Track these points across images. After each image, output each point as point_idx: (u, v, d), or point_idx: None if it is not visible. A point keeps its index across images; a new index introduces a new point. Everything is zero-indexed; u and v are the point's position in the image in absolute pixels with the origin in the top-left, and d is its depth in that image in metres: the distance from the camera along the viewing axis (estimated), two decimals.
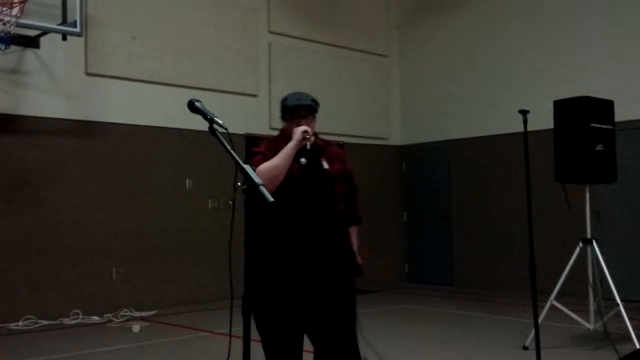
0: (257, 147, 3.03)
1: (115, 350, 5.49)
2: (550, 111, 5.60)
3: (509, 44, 9.02)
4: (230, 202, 7.22)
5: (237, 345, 2.34)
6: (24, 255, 6.73)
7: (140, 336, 6.05)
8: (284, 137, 3.01)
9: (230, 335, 2.67)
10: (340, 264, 2.98)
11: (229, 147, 2.20)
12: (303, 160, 2.96)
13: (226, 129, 2.21)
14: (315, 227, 2.94)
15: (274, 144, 3.01)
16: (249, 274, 2.81)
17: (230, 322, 2.56)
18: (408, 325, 6.55)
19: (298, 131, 2.93)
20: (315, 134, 3.04)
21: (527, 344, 5.25)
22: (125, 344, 5.68)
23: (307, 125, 2.99)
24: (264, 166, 2.84)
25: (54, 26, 6.53)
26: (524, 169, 4.30)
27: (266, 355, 2.90)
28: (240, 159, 2.22)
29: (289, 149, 2.89)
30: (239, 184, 2.15)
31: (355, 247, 3.11)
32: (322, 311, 2.90)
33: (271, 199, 2.06)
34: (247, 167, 2.13)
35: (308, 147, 2.99)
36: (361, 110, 9.98)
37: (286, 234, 2.90)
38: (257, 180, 2.09)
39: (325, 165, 3.03)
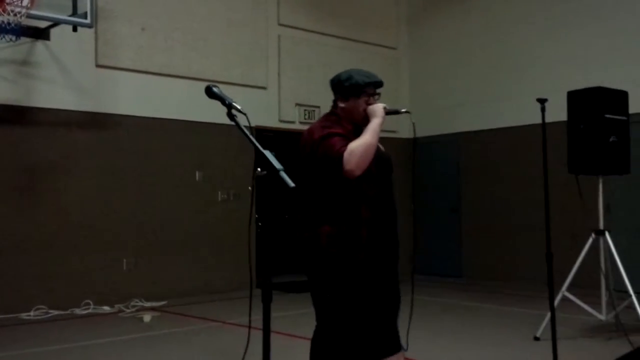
0: (327, 129, 2.77)
1: (126, 340, 5.51)
2: (562, 103, 5.56)
3: (519, 34, 8.97)
4: (250, 188, 7.23)
5: (252, 335, 2.33)
6: (35, 245, 6.75)
7: (151, 326, 6.08)
8: (347, 117, 2.83)
9: (249, 327, 2.54)
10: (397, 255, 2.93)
11: (247, 132, 2.19)
12: None
13: (245, 114, 2.20)
14: (390, 215, 2.85)
15: (340, 125, 2.80)
16: (315, 264, 2.76)
17: (250, 310, 2.51)
18: (419, 317, 6.51)
19: (380, 108, 2.78)
20: None
21: (538, 334, 5.24)
22: (136, 334, 5.70)
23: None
24: (357, 144, 2.63)
25: (65, 17, 6.52)
26: (541, 159, 4.26)
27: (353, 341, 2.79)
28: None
29: (376, 125, 2.72)
30: (259, 169, 2.13)
31: None
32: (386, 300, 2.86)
33: (292, 184, 2.03)
34: (267, 152, 2.11)
35: None
36: None
37: (366, 226, 2.75)
38: (278, 165, 2.07)
39: (382, 149, 2.92)
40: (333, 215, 2.74)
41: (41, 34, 6.75)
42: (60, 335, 5.68)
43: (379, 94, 2.91)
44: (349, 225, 2.72)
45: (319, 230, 2.75)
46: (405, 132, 10.44)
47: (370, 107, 2.79)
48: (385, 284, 2.85)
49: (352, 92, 2.82)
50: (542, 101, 4.10)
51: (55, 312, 6.63)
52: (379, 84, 2.90)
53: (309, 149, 2.77)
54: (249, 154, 2.20)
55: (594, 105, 5.30)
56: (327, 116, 2.90)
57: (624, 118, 5.48)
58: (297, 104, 9.08)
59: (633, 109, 5.73)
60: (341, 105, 2.86)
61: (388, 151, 3.01)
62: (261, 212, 8.44)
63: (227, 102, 2.26)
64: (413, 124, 2.76)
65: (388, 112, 2.80)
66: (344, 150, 2.62)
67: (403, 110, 2.90)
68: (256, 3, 8.68)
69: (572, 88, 5.56)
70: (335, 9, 9.54)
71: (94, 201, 7.21)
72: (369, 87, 2.85)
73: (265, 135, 8.52)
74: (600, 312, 5.42)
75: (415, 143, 2.55)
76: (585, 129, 5.30)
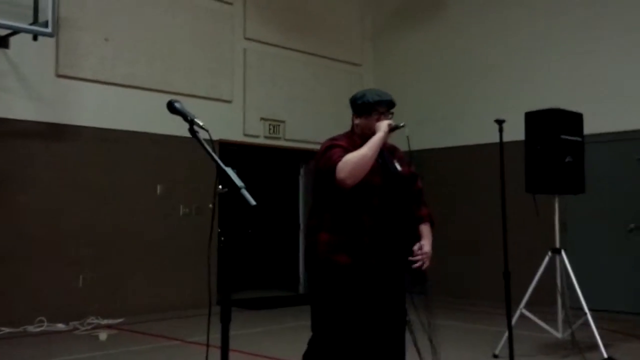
0: (333, 141, 2.97)
1: (80, 359, 5.36)
2: (520, 123, 5.67)
3: (481, 54, 9.15)
4: (211, 206, 7.13)
5: (211, 354, 2.30)
6: None
7: (107, 345, 5.93)
8: (360, 134, 2.99)
9: (207, 345, 2.47)
10: (406, 269, 3.02)
11: (209, 149, 2.17)
12: (379, 160, 2.93)
13: (207, 130, 2.19)
14: (394, 229, 2.94)
15: (350, 140, 2.97)
16: (311, 271, 2.86)
17: (208, 329, 2.48)
18: None
19: (384, 124, 2.91)
20: None
21: (496, 352, 5.29)
22: (91, 353, 5.55)
23: None
24: (352, 155, 2.78)
25: (25, 26, 6.38)
26: (498, 178, 4.34)
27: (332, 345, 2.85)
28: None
29: (377, 139, 2.85)
30: (220, 187, 2.12)
31: (427, 247, 3.14)
32: (383, 320, 2.94)
33: (253, 202, 2.04)
34: (229, 170, 2.10)
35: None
36: (335, 118, 9.97)
37: (368, 234, 2.88)
38: (239, 183, 2.07)
39: (398, 167, 3.04)
40: (330, 224, 2.89)
41: (0, 43, 6.60)
42: (12, 354, 5.50)
43: (392, 113, 3.06)
44: (344, 233, 2.87)
45: (317, 237, 2.89)
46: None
47: (377, 124, 2.94)
48: (385, 295, 2.94)
49: (364, 110, 3.01)
50: (500, 122, 4.19)
51: (7, 330, 6.38)
52: (390, 103, 3.06)
53: (317, 161, 2.96)
54: (211, 167, 2.19)
55: (551, 127, 5.44)
56: (344, 132, 3.11)
57: (579, 139, 5.64)
58: (262, 118, 9.06)
59: (588, 130, 5.90)
60: (356, 122, 3.06)
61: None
62: (224, 227, 8.39)
63: (189, 117, 2.24)
64: (407, 137, 2.86)
65: (392, 129, 2.94)
66: (339, 160, 2.77)
67: (401, 124, 3.02)
68: (222, 16, 8.67)
69: (533, 108, 5.69)
70: (301, 24, 9.59)
71: (51, 214, 7.03)
72: (380, 106, 3.01)
73: (230, 149, 8.47)
74: (557, 329, 5.51)
75: (411, 156, 2.60)
76: (542, 150, 5.43)
